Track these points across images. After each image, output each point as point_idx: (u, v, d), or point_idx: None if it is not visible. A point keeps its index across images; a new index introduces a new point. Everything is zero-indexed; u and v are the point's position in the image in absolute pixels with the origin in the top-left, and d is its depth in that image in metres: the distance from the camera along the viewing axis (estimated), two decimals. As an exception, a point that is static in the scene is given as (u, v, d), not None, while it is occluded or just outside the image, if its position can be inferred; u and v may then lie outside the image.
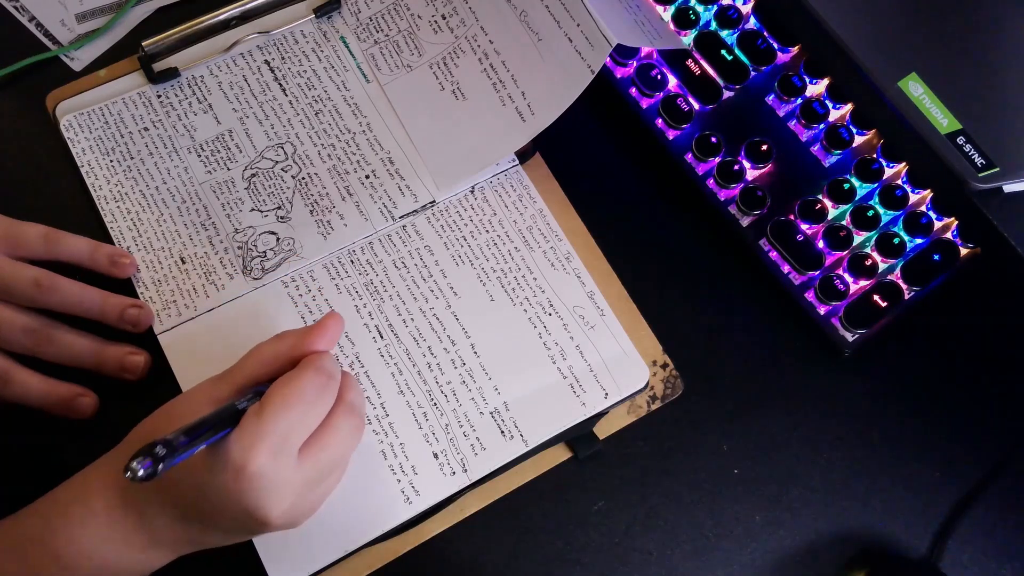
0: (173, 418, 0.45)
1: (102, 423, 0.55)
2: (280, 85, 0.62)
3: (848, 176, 0.59)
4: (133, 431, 0.46)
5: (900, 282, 0.58)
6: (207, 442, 0.41)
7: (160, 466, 0.37)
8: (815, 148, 0.60)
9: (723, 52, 0.61)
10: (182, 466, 0.41)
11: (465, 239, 0.59)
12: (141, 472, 0.37)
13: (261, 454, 0.41)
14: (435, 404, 0.55)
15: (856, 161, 0.59)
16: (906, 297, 0.57)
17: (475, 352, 0.56)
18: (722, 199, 0.60)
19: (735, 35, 0.62)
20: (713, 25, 0.62)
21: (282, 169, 0.59)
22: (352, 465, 0.53)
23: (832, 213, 0.59)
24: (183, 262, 0.57)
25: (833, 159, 0.60)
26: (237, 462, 0.41)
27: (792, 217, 0.59)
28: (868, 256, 0.58)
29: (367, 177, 0.60)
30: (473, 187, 0.60)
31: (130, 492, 0.44)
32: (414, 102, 0.61)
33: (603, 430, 0.56)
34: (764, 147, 0.60)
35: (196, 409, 0.44)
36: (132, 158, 0.59)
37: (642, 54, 0.62)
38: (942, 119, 0.55)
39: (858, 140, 0.60)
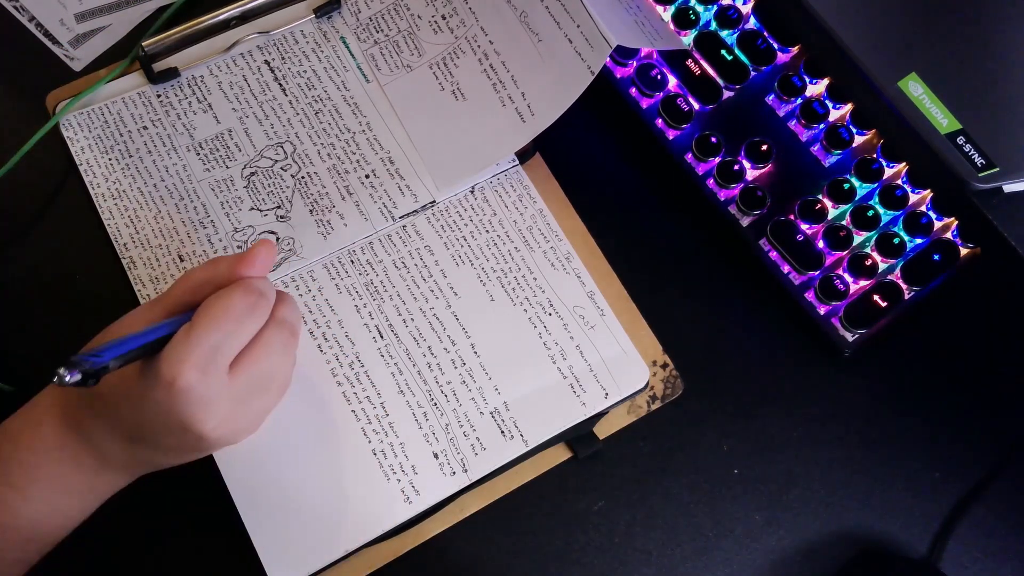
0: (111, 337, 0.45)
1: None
2: (280, 85, 0.62)
3: (848, 176, 0.59)
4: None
5: (900, 282, 0.58)
6: (132, 349, 0.42)
7: (87, 370, 0.39)
8: (815, 148, 0.60)
9: (723, 52, 0.61)
10: (119, 385, 0.43)
11: (465, 239, 0.59)
12: (68, 379, 0.38)
13: (190, 369, 0.42)
14: (435, 404, 0.54)
15: (856, 161, 0.59)
16: (906, 297, 0.57)
17: (475, 352, 0.56)
18: (722, 199, 0.60)
19: (735, 35, 0.62)
20: (713, 25, 0.62)
21: (281, 168, 0.59)
22: (351, 465, 0.53)
23: (832, 213, 0.59)
24: (181, 260, 0.57)
25: (833, 159, 0.60)
26: (167, 377, 0.42)
27: (792, 217, 0.59)
28: (868, 256, 0.58)
29: (367, 177, 0.60)
30: (473, 187, 0.60)
31: (74, 414, 0.46)
32: (414, 102, 0.61)
33: (603, 430, 0.56)
34: (764, 147, 0.60)
35: (132, 329, 0.45)
36: (131, 156, 0.59)
37: (642, 54, 0.62)
38: (942, 119, 0.55)
39: (858, 140, 0.60)
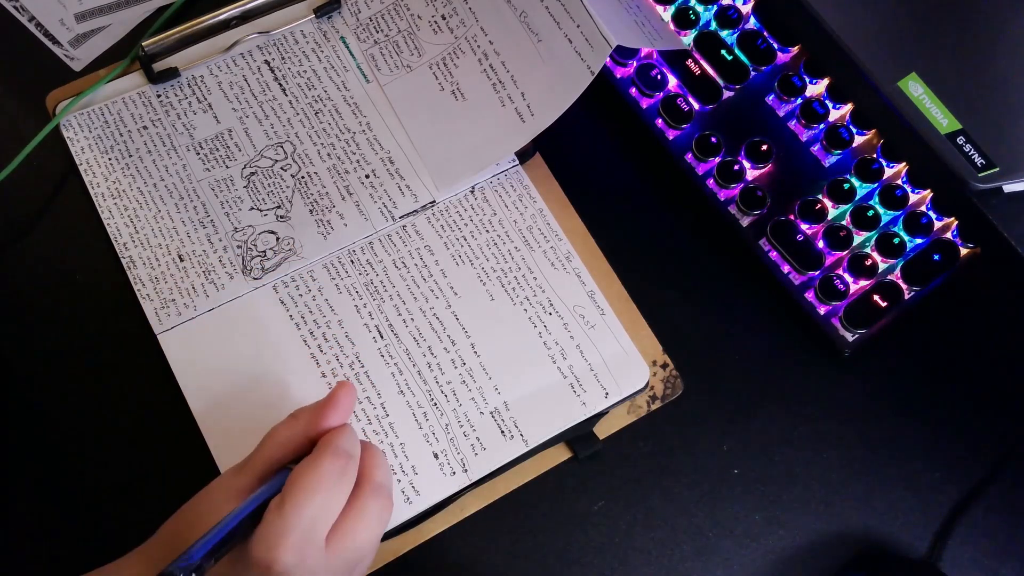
0: (197, 516, 0.44)
1: (104, 428, 0.55)
2: (280, 85, 0.62)
3: (848, 176, 0.59)
4: (161, 529, 0.45)
5: (900, 282, 0.58)
6: (223, 540, 0.40)
7: None
8: (815, 148, 0.60)
9: (723, 52, 0.61)
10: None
11: (465, 239, 0.59)
12: None
13: (286, 551, 0.40)
14: (435, 404, 0.54)
15: (856, 161, 0.59)
16: (906, 297, 0.57)
17: (475, 352, 0.56)
18: (722, 199, 0.60)
19: (735, 35, 0.62)
20: (713, 25, 0.62)
21: (281, 168, 0.59)
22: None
23: (832, 213, 0.59)
24: (181, 259, 0.57)
25: (833, 159, 0.60)
26: (263, 562, 0.40)
27: (792, 217, 0.59)
28: (868, 256, 0.58)
29: (367, 177, 0.60)
30: (473, 187, 0.60)
31: None
32: (414, 102, 0.61)
33: (603, 430, 0.56)
34: (764, 147, 0.60)
35: (219, 505, 0.43)
36: (130, 155, 0.59)
37: (642, 54, 0.62)
38: (942, 119, 0.55)
39: (858, 140, 0.60)
